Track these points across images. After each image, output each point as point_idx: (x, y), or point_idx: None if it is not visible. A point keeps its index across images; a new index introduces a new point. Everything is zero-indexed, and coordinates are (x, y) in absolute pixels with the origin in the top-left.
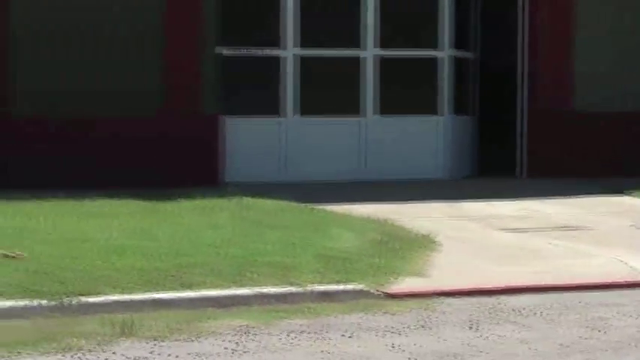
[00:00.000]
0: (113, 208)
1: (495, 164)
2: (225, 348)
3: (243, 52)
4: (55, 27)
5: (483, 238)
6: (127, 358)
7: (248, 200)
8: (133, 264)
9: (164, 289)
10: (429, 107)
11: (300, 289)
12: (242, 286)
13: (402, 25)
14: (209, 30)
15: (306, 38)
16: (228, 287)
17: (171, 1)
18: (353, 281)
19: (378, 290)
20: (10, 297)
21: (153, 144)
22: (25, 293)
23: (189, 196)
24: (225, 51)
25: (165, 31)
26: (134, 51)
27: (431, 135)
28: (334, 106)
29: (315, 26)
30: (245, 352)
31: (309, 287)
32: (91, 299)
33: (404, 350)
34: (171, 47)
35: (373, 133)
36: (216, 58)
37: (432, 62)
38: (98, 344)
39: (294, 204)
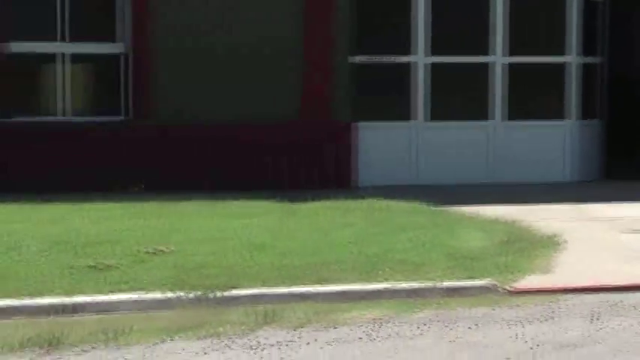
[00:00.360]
0: (253, 209)
1: (623, 168)
2: (360, 336)
3: (376, 59)
4: (197, 38)
5: (607, 239)
6: (270, 343)
7: (380, 202)
8: (273, 260)
9: (302, 283)
10: (556, 112)
11: (429, 285)
12: (374, 281)
13: (531, 31)
14: (343, 39)
15: (437, 45)
16: (362, 282)
17: (307, 13)
18: (480, 278)
19: (503, 286)
20: (161, 289)
21: (290, 149)
22: (174, 286)
23: (323, 197)
24: (359, 59)
25: (301, 41)
26: (271, 61)
27: (558, 139)
28: (463, 111)
29: (446, 34)
30: (379, 338)
31: (438, 283)
32: (234, 292)
33: (526, 340)
34: (307, 57)
35: (501, 137)
36: (349, 66)
37: (560, 68)
38: (243, 331)
39: (424, 205)
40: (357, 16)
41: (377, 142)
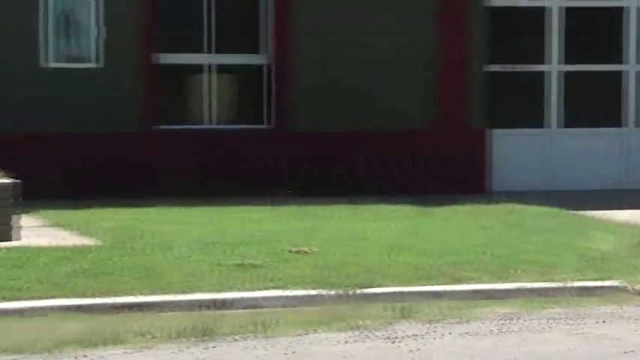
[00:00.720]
0: (389, 212)
1: None
2: (492, 330)
3: (510, 68)
4: (336, 50)
5: None
6: (407, 335)
7: (513, 206)
8: (409, 260)
9: (436, 282)
10: None
11: (559, 285)
12: (506, 281)
13: None
14: (477, 48)
15: (570, 54)
16: (494, 282)
17: (443, 22)
18: (609, 278)
19: (632, 286)
20: (303, 287)
21: (425, 155)
22: (315, 284)
23: (458, 202)
24: (493, 67)
25: (436, 50)
26: (407, 69)
27: None
28: (596, 118)
29: (579, 43)
30: (509, 332)
31: (569, 283)
32: (373, 290)
33: None
34: (442, 66)
35: (634, 143)
36: (483, 74)
37: None
38: (381, 324)
39: (556, 210)
40: (491, 26)
41: (511, 148)
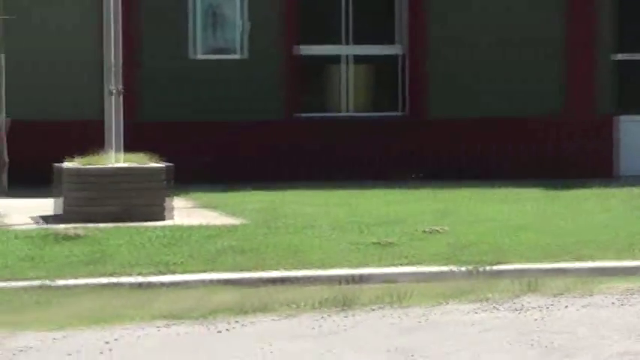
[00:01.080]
0: (518, 195)
1: None
2: (613, 302)
3: (637, 56)
4: (468, 39)
5: None
6: (532, 306)
7: (638, 189)
8: (535, 240)
9: (562, 260)
10: None
11: None
12: (629, 259)
13: None
14: (605, 37)
15: None
16: (617, 260)
17: (571, 10)
18: None
19: None
20: (436, 263)
21: (554, 141)
22: (447, 261)
23: (585, 185)
24: (619, 56)
25: (565, 39)
26: (537, 57)
27: None
28: None
29: None
30: (629, 304)
31: None
32: (501, 267)
33: None
34: (570, 54)
35: None
36: (611, 62)
37: None
38: (508, 297)
39: None
40: (618, 15)
41: (637, 134)
